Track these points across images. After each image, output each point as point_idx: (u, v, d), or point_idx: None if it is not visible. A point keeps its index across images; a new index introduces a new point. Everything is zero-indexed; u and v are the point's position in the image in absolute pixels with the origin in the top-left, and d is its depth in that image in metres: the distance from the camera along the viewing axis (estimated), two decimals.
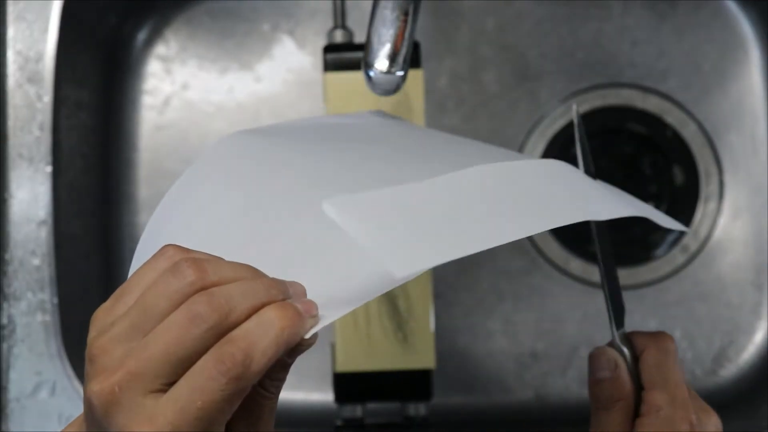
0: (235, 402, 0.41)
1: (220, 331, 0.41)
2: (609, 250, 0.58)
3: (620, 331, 0.57)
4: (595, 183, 0.57)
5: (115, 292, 0.45)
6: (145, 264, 0.44)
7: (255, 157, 0.54)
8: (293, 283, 0.44)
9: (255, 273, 0.44)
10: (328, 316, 0.43)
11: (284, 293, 0.43)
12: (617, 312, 0.57)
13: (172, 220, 0.51)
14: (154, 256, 0.44)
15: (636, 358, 0.57)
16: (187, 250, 0.44)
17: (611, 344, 0.57)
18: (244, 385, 0.41)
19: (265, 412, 0.45)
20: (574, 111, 0.61)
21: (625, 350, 0.56)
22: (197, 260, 0.42)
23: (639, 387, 0.56)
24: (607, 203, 0.54)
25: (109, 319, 0.43)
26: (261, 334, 0.41)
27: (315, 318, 0.43)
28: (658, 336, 0.57)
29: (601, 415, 0.56)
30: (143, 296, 0.43)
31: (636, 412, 0.56)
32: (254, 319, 0.42)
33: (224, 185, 0.52)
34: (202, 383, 0.40)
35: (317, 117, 0.66)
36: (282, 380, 0.45)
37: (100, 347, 0.42)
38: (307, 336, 0.43)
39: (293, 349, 0.43)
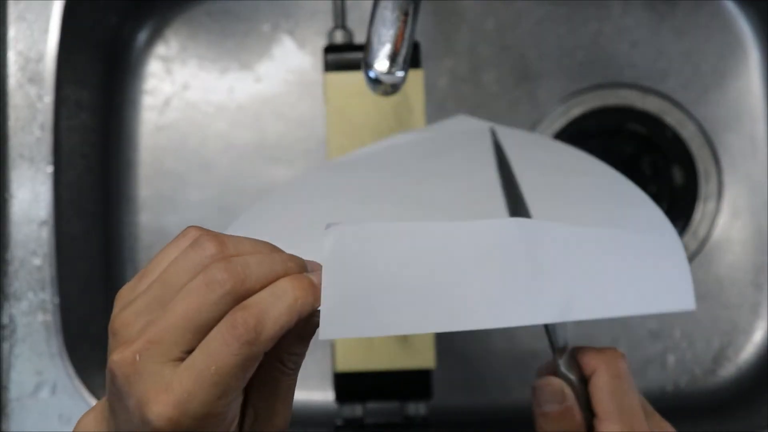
0: (249, 368, 0.42)
1: (236, 297, 0.42)
2: None
3: (564, 351, 0.52)
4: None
5: (139, 272, 0.46)
6: (168, 244, 0.45)
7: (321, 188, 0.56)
8: (312, 261, 0.45)
9: (273, 248, 0.45)
10: None
11: (301, 267, 0.44)
12: (557, 332, 0.52)
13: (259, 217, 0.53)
14: (176, 237, 0.45)
15: (585, 380, 0.52)
16: (214, 232, 0.45)
17: (556, 372, 0.52)
18: (256, 351, 0.42)
19: (283, 389, 0.45)
20: None
21: (572, 376, 0.52)
22: (217, 234, 0.44)
23: (590, 414, 0.52)
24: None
25: (132, 296, 0.44)
26: (274, 302, 0.42)
27: None
28: (608, 356, 0.52)
29: None
30: (165, 271, 0.43)
31: None
32: (269, 288, 0.43)
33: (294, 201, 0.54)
34: (216, 348, 0.41)
35: (407, 134, 0.66)
36: (300, 356, 0.45)
37: (121, 320, 0.43)
38: (320, 307, 0.43)
39: (309, 322, 0.44)
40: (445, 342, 0.85)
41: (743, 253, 0.87)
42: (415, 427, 0.78)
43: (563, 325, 0.52)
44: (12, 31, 0.78)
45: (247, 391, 0.45)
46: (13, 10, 0.78)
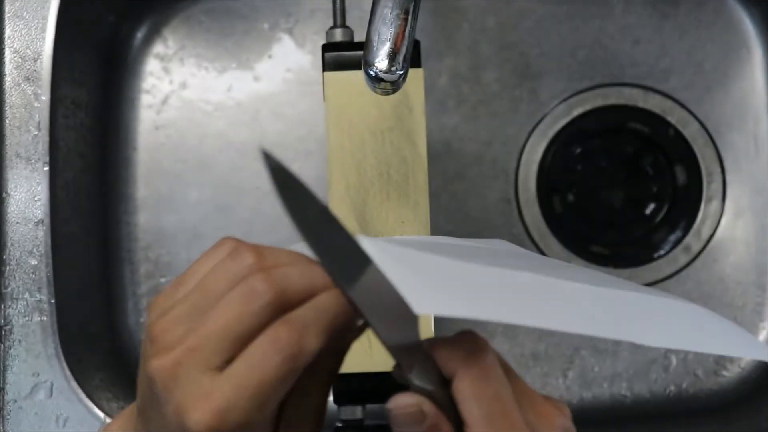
0: (289, 382, 0.43)
1: (277, 308, 0.42)
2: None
3: (416, 360, 0.45)
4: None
5: (175, 280, 0.46)
6: (203, 254, 0.46)
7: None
8: None
9: (311, 261, 0.45)
10: None
11: None
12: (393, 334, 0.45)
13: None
14: (212, 247, 0.46)
15: (447, 382, 0.45)
16: (251, 244, 0.45)
17: (410, 384, 0.45)
18: (298, 364, 0.42)
19: (314, 399, 0.46)
20: None
21: (430, 387, 0.44)
22: (255, 246, 0.44)
23: (459, 421, 0.45)
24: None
25: (169, 303, 0.44)
26: (317, 317, 0.43)
27: None
28: (467, 353, 0.45)
29: None
30: (203, 280, 0.44)
31: None
32: (310, 303, 0.43)
33: None
34: (259, 361, 0.42)
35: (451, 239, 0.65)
36: (334, 367, 0.46)
37: (161, 327, 0.43)
38: (360, 323, 0.44)
39: (346, 337, 0.45)
40: None
41: (747, 254, 0.87)
42: None
43: (407, 314, 0.44)
44: (8, 30, 0.77)
45: (283, 404, 0.45)
46: (9, 9, 0.77)
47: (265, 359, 0.42)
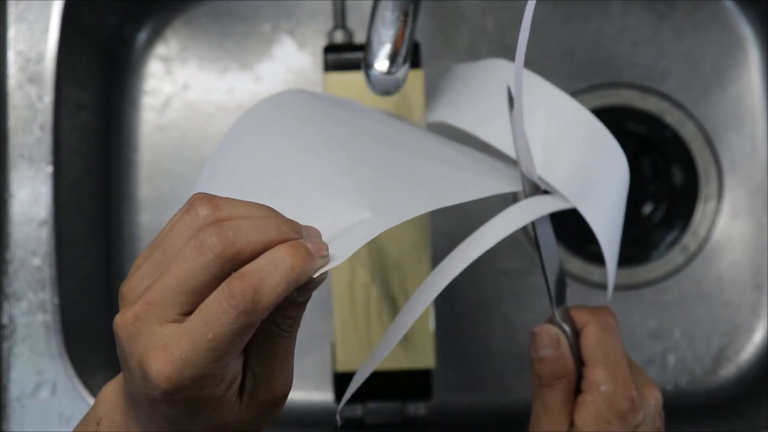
0: (245, 336, 0.43)
1: (226, 260, 0.43)
2: (546, 223, 0.58)
3: (561, 308, 0.57)
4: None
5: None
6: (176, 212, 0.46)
7: (300, 117, 0.56)
8: (308, 227, 0.46)
9: (270, 212, 0.45)
10: (337, 258, 0.45)
11: (296, 232, 0.45)
12: (558, 288, 0.58)
13: (219, 167, 0.53)
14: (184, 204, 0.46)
15: (577, 334, 0.57)
16: (211, 196, 0.45)
17: (552, 321, 0.58)
18: (253, 319, 0.42)
19: (281, 352, 0.46)
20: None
21: (566, 327, 0.57)
22: (210, 198, 0.44)
23: (580, 363, 0.57)
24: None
25: (139, 263, 0.45)
26: (271, 271, 0.43)
27: (325, 258, 0.45)
28: (598, 311, 0.58)
29: (544, 392, 0.57)
30: (164, 237, 0.45)
31: (578, 388, 0.57)
32: (265, 256, 0.43)
33: (270, 134, 0.54)
34: (214, 316, 0.42)
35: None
36: (295, 318, 0.46)
37: (128, 285, 0.45)
38: (316, 275, 0.44)
39: (303, 288, 0.44)
40: (445, 342, 0.85)
41: (743, 253, 0.87)
42: (415, 427, 0.78)
43: (564, 285, 0.58)
44: (12, 31, 0.78)
45: (247, 356, 0.46)
46: (13, 10, 0.78)
47: (219, 313, 0.42)
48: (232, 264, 0.43)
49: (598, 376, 0.56)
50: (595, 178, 0.60)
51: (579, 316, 0.58)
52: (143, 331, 0.43)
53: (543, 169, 0.58)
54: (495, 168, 0.59)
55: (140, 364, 0.43)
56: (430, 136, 0.63)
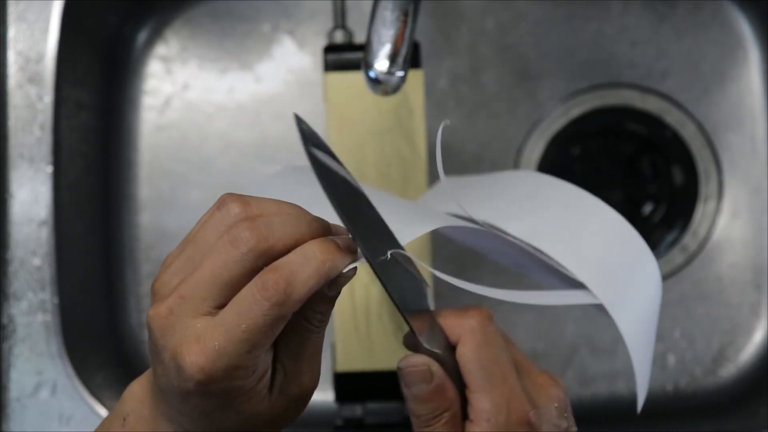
0: (277, 328, 0.44)
1: (258, 255, 0.44)
2: (373, 230, 0.48)
3: (426, 326, 0.49)
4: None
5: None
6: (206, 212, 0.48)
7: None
8: (336, 225, 0.47)
9: (299, 210, 0.46)
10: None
11: (326, 229, 0.46)
12: (408, 299, 0.48)
13: None
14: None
15: (453, 348, 0.49)
16: (240, 194, 0.47)
17: (418, 347, 0.49)
18: (285, 311, 0.44)
19: (310, 346, 0.47)
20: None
21: (438, 351, 0.49)
22: (241, 196, 0.46)
23: (462, 384, 0.49)
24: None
25: (171, 260, 0.47)
26: (303, 265, 0.44)
27: (354, 254, 0.46)
28: (470, 318, 0.50)
29: None
30: (196, 233, 0.46)
31: (464, 413, 0.50)
32: (297, 251, 0.45)
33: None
34: (247, 307, 0.43)
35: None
36: (324, 314, 0.47)
37: (160, 281, 0.46)
38: (346, 270, 0.46)
39: (334, 282, 0.46)
40: None
41: (743, 253, 0.87)
42: None
43: (420, 287, 0.49)
44: (12, 31, 0.78)
45: (277, 351, 0.47)
46: (13, 11, 0.78)
47: (252, 305, 0.43)
48: (265, 258, 0.44)
49: (484, 404, 0.48)
50: (626, 282, 0.54)
51: (450, 327, 0.50)
52: (177, 324, 0.44)
53: (570, 263, 0.53)
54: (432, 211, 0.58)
55: (174, 357, 0.44)
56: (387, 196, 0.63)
